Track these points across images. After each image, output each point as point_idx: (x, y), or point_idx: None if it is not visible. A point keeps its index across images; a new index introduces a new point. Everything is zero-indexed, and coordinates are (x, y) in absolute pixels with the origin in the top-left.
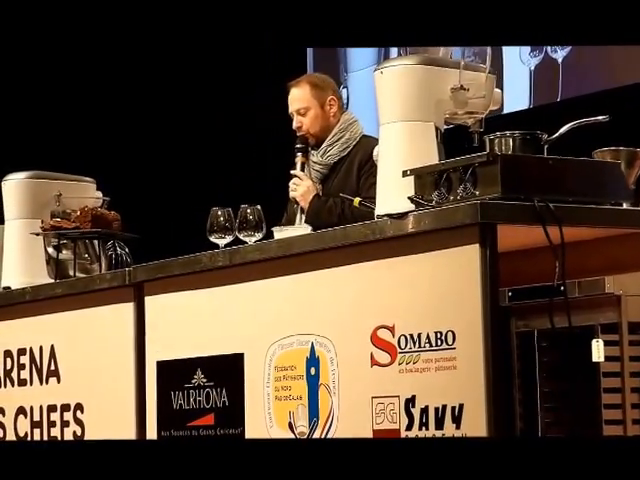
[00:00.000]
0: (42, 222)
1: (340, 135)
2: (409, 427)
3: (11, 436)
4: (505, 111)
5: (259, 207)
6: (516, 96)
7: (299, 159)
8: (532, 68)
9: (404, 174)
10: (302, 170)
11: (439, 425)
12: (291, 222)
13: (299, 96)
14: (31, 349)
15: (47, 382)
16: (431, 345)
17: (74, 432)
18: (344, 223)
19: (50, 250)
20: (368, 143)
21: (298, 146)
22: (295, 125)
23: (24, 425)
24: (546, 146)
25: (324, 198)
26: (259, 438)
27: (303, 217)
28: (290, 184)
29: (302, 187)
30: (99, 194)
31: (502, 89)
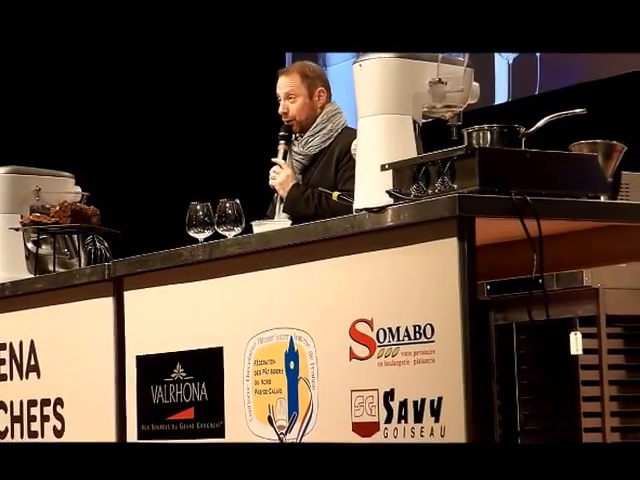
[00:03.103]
0: (21, 217)
1: (322, 126)
2: (388, 420)
3: None
4: (484, 104)
5: (238, 201)
6: (495, 90)
7: (281, 147)
8: (510, 62)
9: (382, 168)
10: (284, 158)
11: (418, 418)
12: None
13: (289, 83)
14: (11, 344)
15: (27, 377)
16: (410, 338)
17: (54, 427)
18: (321, 215)
19: (29, 245)
20: (349, 135)
21: (281, 134)
22: (281, 110)
23: (4, 420)
24: (524, 139)
25: (302, 188)
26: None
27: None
28: (270, 172)
29: (281, 175)
30: (78, 189)
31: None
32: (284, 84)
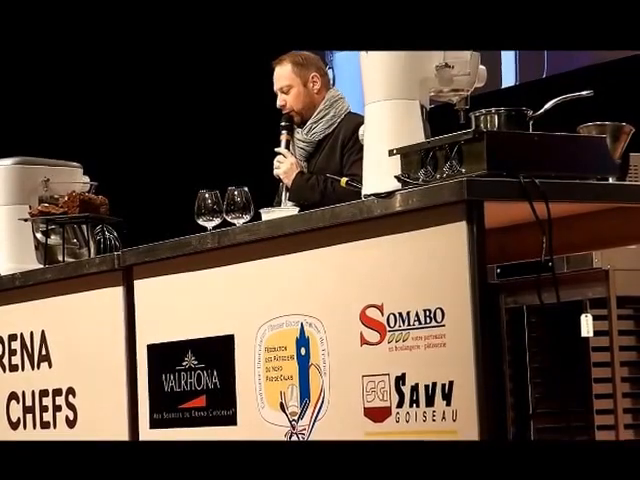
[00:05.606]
0: (30, 208)
1: (325, 112)
2: (400, 405)
3: (3, 422)
4: (491, 88)
5: (246, 189)
6: (502, 73)
7: (284, 137)
8: None
9: (390, 153)
10: (287, 148)
11: (429, 402)
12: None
13: (282, 74)
14: (22, 335)
15: (39, 367)
16: (420, 323)
17: (66, 417)
18: (327, 201)
19: (39, 235)
20: (352, 120)
21: (283, 124)
22: (279, 103)
23: (16, 410)
24: (531, 122)
25: (307, 175)
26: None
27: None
28: (274, 162)
29: (285, 164)
30: (86, 179)
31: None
32: (277, 77)
